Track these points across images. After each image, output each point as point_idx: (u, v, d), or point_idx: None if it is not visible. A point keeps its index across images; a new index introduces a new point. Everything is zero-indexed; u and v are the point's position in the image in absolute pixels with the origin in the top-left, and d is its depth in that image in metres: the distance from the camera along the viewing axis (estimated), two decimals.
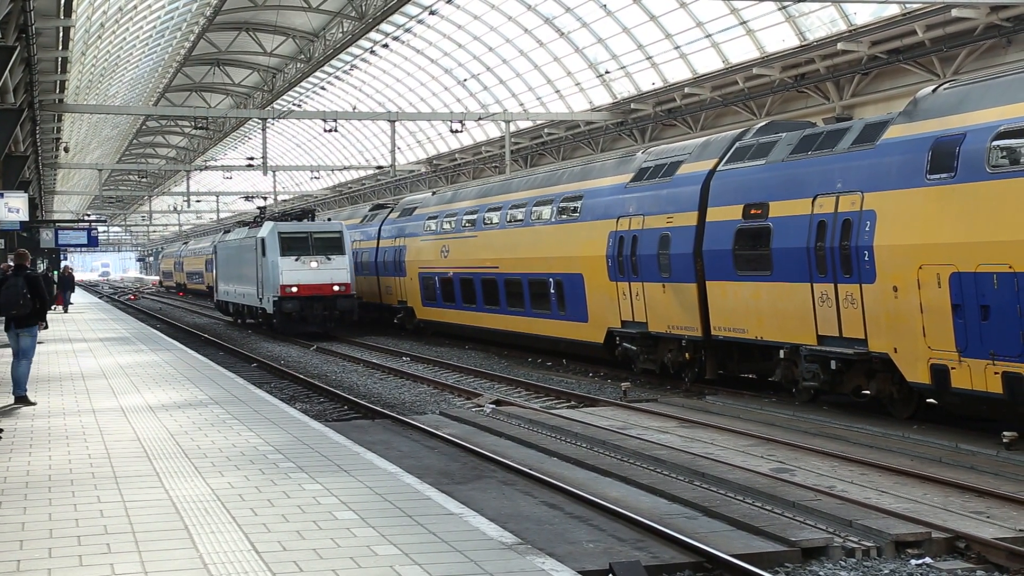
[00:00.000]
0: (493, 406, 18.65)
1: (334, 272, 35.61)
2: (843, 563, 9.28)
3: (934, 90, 15.32)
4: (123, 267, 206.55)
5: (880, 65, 26.19)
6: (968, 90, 14.54)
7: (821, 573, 9.02)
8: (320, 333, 36.07)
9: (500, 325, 28.51)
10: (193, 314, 55.67)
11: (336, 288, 35.49)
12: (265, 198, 64.76)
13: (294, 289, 35.05)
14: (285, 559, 7.16)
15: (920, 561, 9.28)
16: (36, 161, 42.82)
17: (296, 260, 35.33)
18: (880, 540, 9.59)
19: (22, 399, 15.07)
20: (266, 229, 36.83)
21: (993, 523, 10.03)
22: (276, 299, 35.19)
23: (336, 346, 32.80)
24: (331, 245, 36.03)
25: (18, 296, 15.04)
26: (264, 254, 36.28)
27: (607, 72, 37.87)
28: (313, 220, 39.13)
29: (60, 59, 26.99)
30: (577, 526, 10.25)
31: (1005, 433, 13.42)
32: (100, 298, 70.92)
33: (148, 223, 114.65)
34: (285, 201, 78.92)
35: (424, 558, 7.13)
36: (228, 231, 49.05)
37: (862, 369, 16.02)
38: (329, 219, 42.12)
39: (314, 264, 35.39)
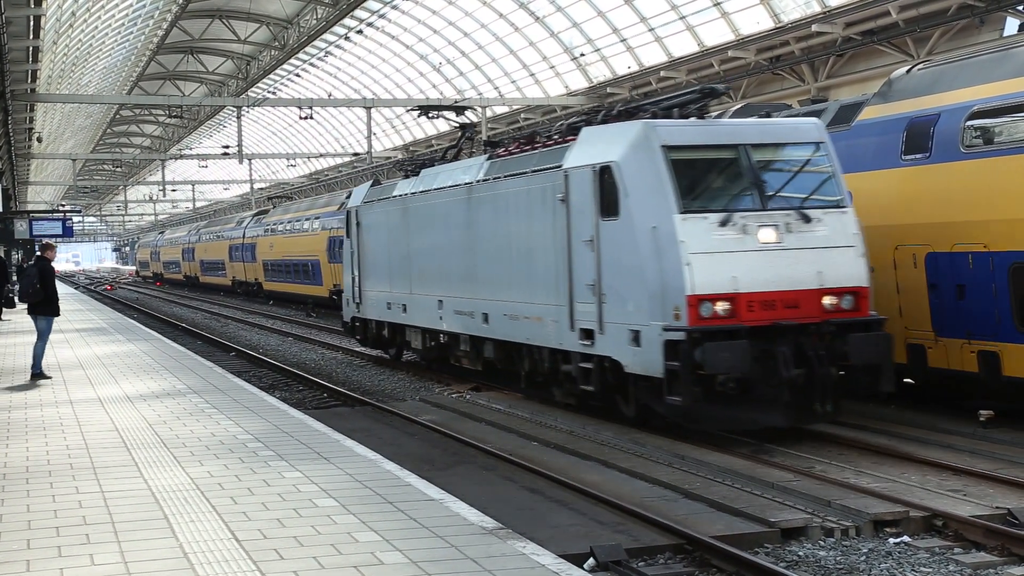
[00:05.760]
0: (472, 392, 18.64)
1: (826, 258, 13.19)
2: (822, 542, 9.34)
3: (908, 71, 15.38)
4: (98, 257, 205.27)
5: (855, 47, 26.26)
6: (942, 70, 14.60)
7: (800, 553, 9.07)
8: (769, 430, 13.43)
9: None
10: (171, 304, 55.45)
11: (833, 303, 13.15)
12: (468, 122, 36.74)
13: (722, 308, 12.66)
14: (266, 547, 7.15)
15: (898, 540, 9.34)
16: (9, 151, 42.49)
17: (720, 226, 12.92)
18: (858, 519, 9.65)
19: (38, 375, 16.73)
20: (606, 137, 14.22)
21: (970, 501, 10.11)
22: (672, 335, 12.61)
23: (314, 334, 32.70)
24: (806, 182, 13.74)
25: (30, 284, 17.11)
26: (612, 211, 13.69)
27: (582, 55, 37.83)
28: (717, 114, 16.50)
29: (31, 48, 26.76)
30: (558, 510, 10.27)
31: (981, 412, 13.52)
32: (76, 288, 70.52)
33: (123, 213, 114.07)
34: (278, 188, 78.45)
35: (405, 544, 7.14)
36: (374, 182, 23.94)
37: None
38: (767, 113, 15.44)
39: (772, 236, 13.04)
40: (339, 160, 65.57)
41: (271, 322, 38.54)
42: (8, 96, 31.08)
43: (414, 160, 23.37)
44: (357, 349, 26.80)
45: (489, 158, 17.60)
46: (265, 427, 11.94)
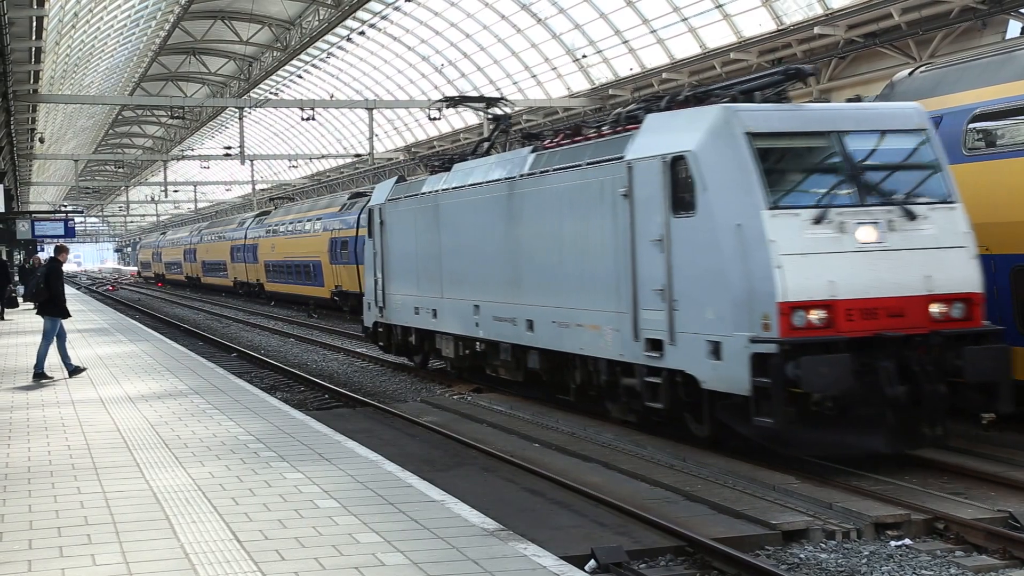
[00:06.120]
0: (473, 394, 18.65)
1: (934, 260, 11.67)
2: (823, 545, 9.34)
3: (910, 73, 15.37)
4: (100, 258, 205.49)
5: (857, 49, 26.27)
6: (944, 73, 14.59)
7: (801, 555, 9.07)
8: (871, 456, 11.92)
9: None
10: (172, 305, 55.46)
11: (943, 311, 11.60)
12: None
13: (818, 316, 11.10)
14: (267, 548, 7.15)
15: (899, 542, 9.34)
16: (11, 152, 42.51)
17: (814, 224, 11.33)
18: (860, 522, 9.65)
19: (40, 375, 16.93)
20: (673, 124, 12.74)
21: (971, 504, 10.10)
22: (761, 348, 11.06)
23: (316, 335, 32.71)
24: (909, 174, 12.21)
25: (35, 284, 17.67)
26: (686, 207, 12.13)
27: (584, 56, 37.84)
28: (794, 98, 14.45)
29: (34, 49, 26.77)
30: (559, 512, 10.27)
31: (983, 414, 13.49)
32: (78, 289, 70.55)
33: (125, 213, 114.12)
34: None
35: (406, 545, 7.14)
36: (399, 179, 22.54)
37: None
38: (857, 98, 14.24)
39: (873, 235, 11.48)
40: (341, 161, 65.60)
41: (272, 323, 38.54)
42: (10, 97, 31.10)
43: (442, 155, 22.43)
44: (358, 350, 26.79)
45: (534, 150, 16.11)
46: (266, 428, 11.94)
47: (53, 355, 17.36)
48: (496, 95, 24.57)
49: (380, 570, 6.64)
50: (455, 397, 18.31)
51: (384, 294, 21.81)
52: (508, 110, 21.49)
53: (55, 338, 17.47)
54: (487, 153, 19.55)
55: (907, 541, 9.38)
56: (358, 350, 26.95)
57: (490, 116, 20.99)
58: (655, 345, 12.65)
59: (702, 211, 11.81)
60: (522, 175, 15.97)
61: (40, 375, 16.91)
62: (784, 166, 11.83)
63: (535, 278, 15.66)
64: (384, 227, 21.75)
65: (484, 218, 17.22)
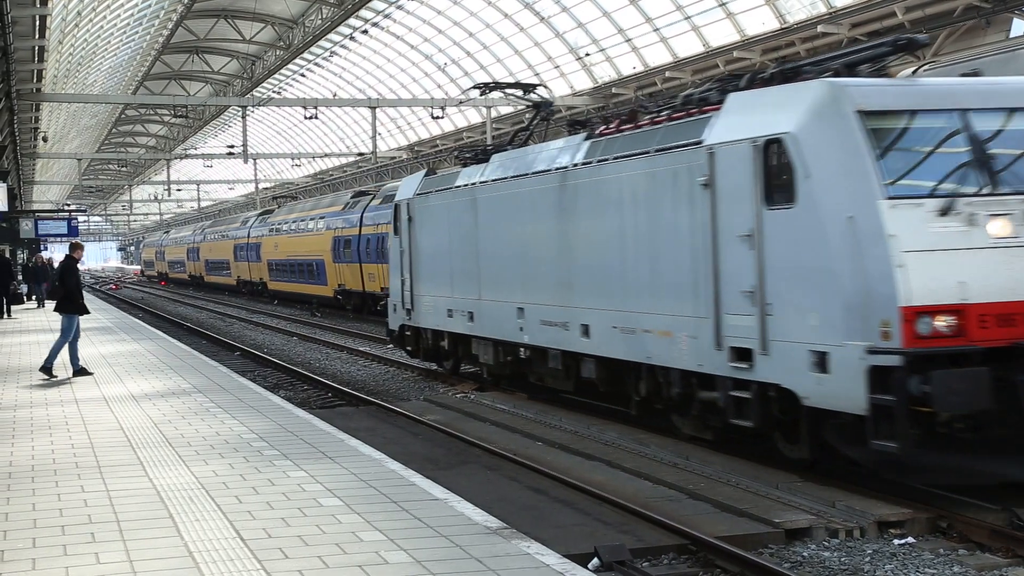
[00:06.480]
0: (476, 392, 18.66)
1: None
2: (826, 543, 9.33)
3: (914, 72, 15.35)
4: (103, 257, 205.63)
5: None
6: (947, 72, 14.56)
7: (804, 554, 9.07)
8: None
9: None
10: (176, 303, 55.50)
11: None
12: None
13: (946, 323, 9.74)
14: (270, 546, 7.16)
15: (903, 541, 9.33)
16: (14, 150, 42.54)
17: (940, 216, 9.95)
18: (863, 520, 9.64)
19: (46, 369, 17.05)
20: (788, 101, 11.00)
21: (975, 502, 10.09)
22: (881, 359, 9.71)
23: (319, 333, 32.73)
24: None
25: (51, 282, 17.86)
26: (783, 197, 10.76)
27: (587, 55, 37.86)
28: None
29: (37, 48, 26.82)
30: (562, 510, 10.28)
31: None
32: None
33: (128, 212, 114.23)
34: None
35: (409, 543, 7.14)
36: (428, 171, 21.80)
37: None
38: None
39: (1007, 229, 10.09)
40: (344, 160, 65.65)
41: (276, 321, 38.56)
42: (14, 95, 31.13)
43: (475, 146, 21.26)
44: (361, 348, 26.80)
45: (588, 138, 14.62)
46: (270, 426, 11.95)
47: (64, 354, 17.38)
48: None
49: (383, 568, 6.65)
50: (458, 396, 18.32)
51: (412, 295, 20.29)
52: (548, 96, 19.87)
53: (61, 335, 17.49)
54: (525, 143, 18.22)
55: (910, 539, 9.37)
56: (361, 349, 26.97)
57: (529, 104, 19.58)
58: (742, 355, 11.15)
59: (804, 202, 10.40)
60: (576, 165, 14.47)
61: (47, 370, 16.95)
62: (902, 149, 10.29)
63: (592, 278, 14.16)
64: (413, 223, 20.14)
65: (530, 212, 15.76)
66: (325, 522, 7.74)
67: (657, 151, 12.57)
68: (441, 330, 19.36)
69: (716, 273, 11.49)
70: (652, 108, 14.12)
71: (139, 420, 12.57)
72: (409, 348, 21.16)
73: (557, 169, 14.94)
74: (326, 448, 10.59)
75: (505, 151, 17.74)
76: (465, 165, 18.78)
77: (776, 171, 10.66)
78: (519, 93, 20.06)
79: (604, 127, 14.72)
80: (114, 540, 7.39)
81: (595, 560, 8.58)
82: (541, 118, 18.93)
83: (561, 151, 15.18)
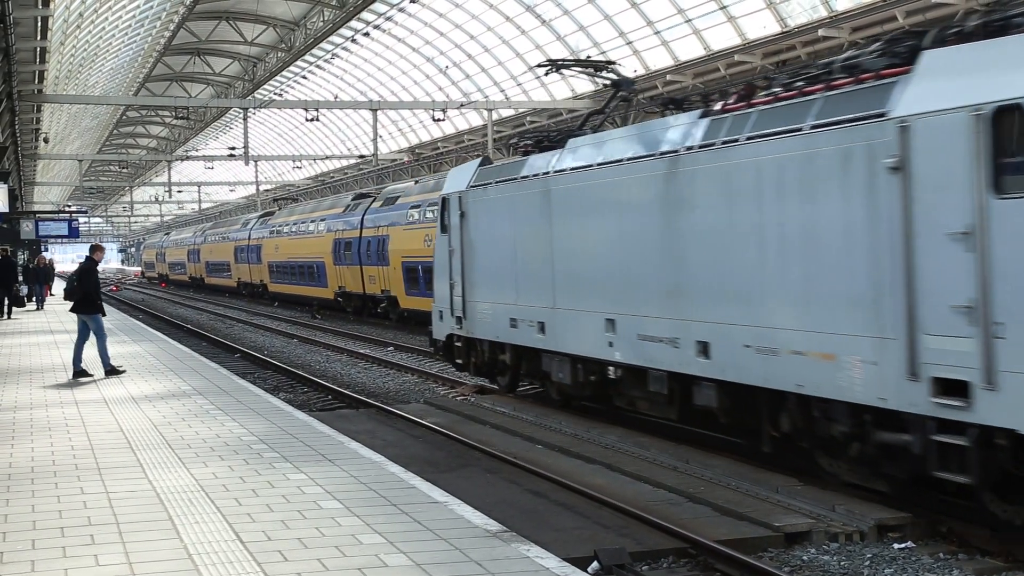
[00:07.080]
0: (476, 395, 18.66)
1: None
2: (826, 547, 9.33)
3: None
4: (104, 258, 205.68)
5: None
6: None
7: (804, 557, 9.07)
8: None
9: None
10: (176, 305, 55.51)
11: None
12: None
13: None
14: (270, 549, 7.16)
15: (902, 545, 9.33)
16: (15, 152, 42.56)
17: None
18: (863, 524, 9.64)
19: (80, 372, 17.22)
20: None
21: (974, 505, 10.08)
22: None
23: (319, 336, 32.73)
24: None
25: (70, 284, 17.80)
26: (1020, 183, 8.31)
27: (587, 58, 37.89)
28: None
29: (38, 49, 26.84)
30: (562, 513, 10.27)
31: None
32: None
33: (129, 214, 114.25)
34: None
35: (409, 546, 7.14)
36: (483, 161, 18.93)
37: None
38: None
39: None
40: (345, 162, 65.67)
41: (276, 324, 38.57)
42: (15, 96, 31.16)
43: (535, 132, 18.17)
44: (361, 351, 26.79)
45: (704, 114, 12.22)
46: (270, 429, 11.94)
47: (90, 349, 17.41)
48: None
49: (383, 571, 6.64)
50: (458, 399, 18.31)
51: (464, 301, 17.79)
52: (625, 74, 17.37)
53: (77, 335, 17.58)
54: (600, 127, 16.13)
55: (910, 543, 9.37)
56: (361, 351, 26.97)
57: (607, 83, 17.21)
58: (952, 388, 8.75)
59: None
60: (690, 148, 12.03)
61: (112, 371, 17.27)
62: None
63: (714, 285, 11.68)
64: (465, 220, 17.60)
65: (624, 206, 13.36)
66: (325, 525, 7.74)
67: (815, 128, 10.17)
68: (502, 342, 17.00)
69: (910, 281, 9.10)
70: (782, 80, 11.51)
71: (139, 422, 12.57)
72: (460, 361, 18.62)
73: (664, 154, 12.52)
74: (326, 451, 10.59)
75: (583, 135, 15.48)
76: (527, 153, 16.57)
77: (1012, 149, 8.28)
78: (590, 72, 18.09)
79: (724, 103, 12.20)
80: (113, 542, 7.39)
81: (595, 563, 8.59)
82: (621, 98, 16.70)
83: (667, 132, 12.79)
